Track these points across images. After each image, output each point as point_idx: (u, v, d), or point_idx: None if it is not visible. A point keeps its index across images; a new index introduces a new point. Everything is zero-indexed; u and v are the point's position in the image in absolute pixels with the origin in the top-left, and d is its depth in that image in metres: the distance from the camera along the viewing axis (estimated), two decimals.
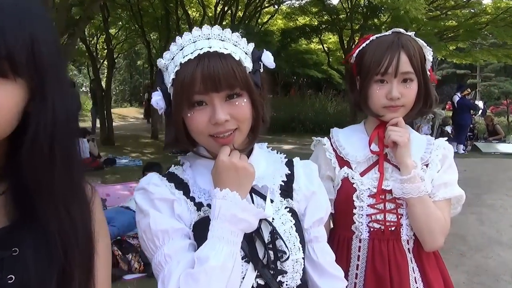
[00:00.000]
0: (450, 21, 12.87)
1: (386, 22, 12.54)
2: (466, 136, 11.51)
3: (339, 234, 1.29)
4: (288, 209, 0.96)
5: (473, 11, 12.28)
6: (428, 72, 1.26)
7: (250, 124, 0.91)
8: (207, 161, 0.94)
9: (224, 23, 12.20)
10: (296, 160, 1.07)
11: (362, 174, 1.25)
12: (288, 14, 14.77)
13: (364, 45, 1.25)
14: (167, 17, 11.57)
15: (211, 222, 0.84)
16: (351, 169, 1.27)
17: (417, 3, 8.33)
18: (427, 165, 1.25)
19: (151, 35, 15.30)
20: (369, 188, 1.22)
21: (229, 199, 0.84)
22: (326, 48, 15.29)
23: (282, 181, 0.99)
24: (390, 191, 1.21)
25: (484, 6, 12.29)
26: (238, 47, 0.89)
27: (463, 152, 10.83)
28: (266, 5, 13.28)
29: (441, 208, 1.21)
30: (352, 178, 1.25)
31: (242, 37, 0.92)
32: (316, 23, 13.26)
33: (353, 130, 1.36)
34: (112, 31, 16.77)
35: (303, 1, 14.37)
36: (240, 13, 12.00)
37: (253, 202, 0.92)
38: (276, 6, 14.44)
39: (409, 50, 1.17)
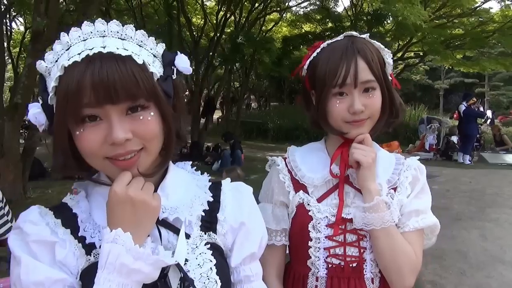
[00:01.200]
0: (456, 29, 12.67)
1: (391, 30, 12.40)
2: (473, 146, 11.23)
3: (295, 270, 1.11)
4: (209, 245, 0.80)
5: (481, 19, 12.07)
6: (390, 77, 1.09)
7: (160, 142, 0.74)
8: (108, 189, 0.74)
9: (228, 30, 12.17)
10: (225, 182, 0.90)
11: (320, 199, 1.08)
12: (292, 21, 14.67)
13: (315, 54, 1.08)
14: (170, 24, 11.52)
15: (97, 272, 0.68)
16: (308, 193, 1.09)
17: (415, 9, 8.15)
18: (395, 189, 1.08)
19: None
20: (327, 217, 1.05)
21: (120, 242, 0.67)
22: None
23: (204, 210, 0.82)
24: (351, 220, 1.04)
25: (492, 15, 12.08)
26: (143, 48, 0.73)
27: (469, 163, 10.56)
28: (269, 11, 13.15)
29: (411, 240, 1.04)
30: (308, 204, 1.07)
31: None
32: (319, 31, 13.12)
33: (311, 148, 1.19)
34: None
35: (308, 9, 14.30)
36: (243, 20, 11.91)
37: (161, 241, 0.76)
38: (281, 13, 14.35)
39: (366, 55, 1.01)
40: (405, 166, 1.10)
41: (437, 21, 12.52)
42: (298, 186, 1.11)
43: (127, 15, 12.62)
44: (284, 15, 14.55)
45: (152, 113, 0.72)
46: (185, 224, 0.79)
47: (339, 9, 14.07)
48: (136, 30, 0.74)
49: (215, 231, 0.82)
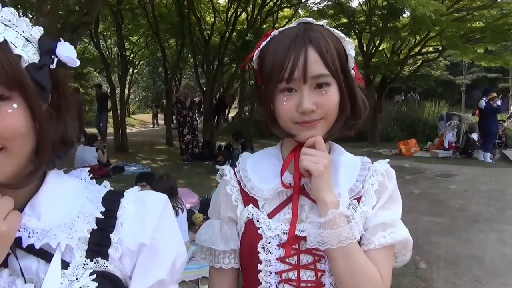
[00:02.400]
0: (477, 22, 12.16)
1: (407, 24, 12.01)
2: (494, 144, 10.78)
3: None
4: (95, 275, 0.64)
5: (503, 11, 11.54)
6: (353, 71, 0.92)
7: (29, 143, 0.61)
8: None
9: (240, 28, 12.04)
10: (129, 192, 0.74)
11: (271, 215, 0.91)
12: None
13: (264, 43, 0.92)
14: (182, 22, 11.45)
15: None
16: (258, 208, 0.93)
17: (430, 3, 7.83)
18: (359, 199, 0.91)
19: (168, 41, 15.27)
20: (278, 235, 0.88)
21: None
22: None
23: (91, 230, 0.67)
24: (306, 238, 0.87)
25: None
26: (10, 28, 0.60)
27: (490, 161, 10.13)
28: (281, 7, 12.91)
29: (377, 259, 0.86)
30: (257, 220, 0.91)
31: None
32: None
33: (265, 154, 1.01)
34: (134, 38, 17.10)
35: (322, 5, 14.01)
36: (255, 17, 11.73)
37: (22, 273, 0.61)
38: (294, 9, 14.12)
39: (319, 45, 0.84)
40: (371, 171, 0.93)
41: (456, 14, 12.05)
42: (248, 199, 0.95)
43: (141, 15, 12.65)
44: (298, 11, 14.31)
45: (15, 105, 0.58)
46: (60, 250, 0.63)
47: (354, 4, 13.74)
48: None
49: (106, 257, 0.66)
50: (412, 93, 26.65)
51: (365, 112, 0.94)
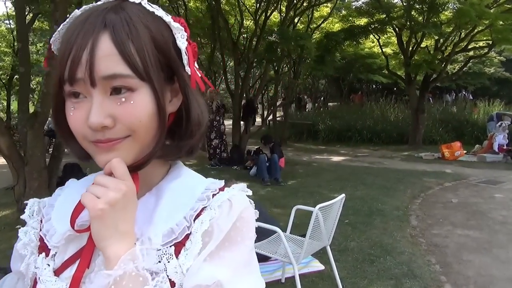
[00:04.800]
0: None
1: (451, 19, 11.17)
2: None
3: None
4: None
5: None
6: (188, 72, 0.63)
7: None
8: None
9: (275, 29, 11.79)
10: None
11: (61, 269, 0.64)
12: (344, 17, 13.87)
13: (61, 27, 0.64)
14: (213, 26, 11.39)
15: None
16: (52, 258, 0.66)
17: None
18: (181, 246, 0.62)
19: (203, 46, 15.34)
20: None
21: None
22: (385, 51, 14.06)
23: None
24: None
25: None
26: None
27: None
28: (316, 3, 12.43)
29: None
30: (39, 278, 0.64)
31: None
32: (364, 23, 12.17)
33: (85, 182, 0.75)
34: None
35: (359, 2, 13.44)
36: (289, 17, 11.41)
37: None
38: (331, 7, 13.63)
39: (118, 31, 0.56)
40: (213, 201, 0.64)
41: (508, 5, 11.03)
42: (43, 246, 0.68)
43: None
44: (334, 10, 13.81)
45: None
46: None
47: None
48: None
49: None
50: (464, 93, 25.04)
51: (199, 130, 0.66)
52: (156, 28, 0.60)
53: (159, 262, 0.59)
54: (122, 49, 0.55)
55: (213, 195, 0.65)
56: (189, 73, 0.63)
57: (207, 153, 9.99)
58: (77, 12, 0.61)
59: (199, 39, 14.20)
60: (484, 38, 12.32)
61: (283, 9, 11.66)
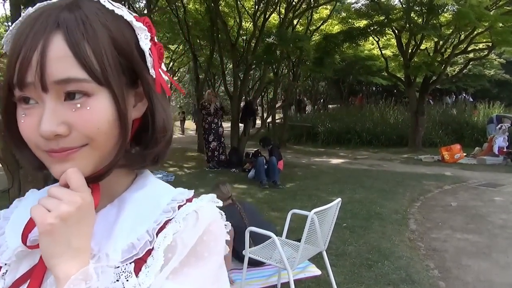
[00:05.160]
0: None
1: (450, 20, 11.13)
2: None
3: None
4: None
5: None
6: (153, 75, 0.58)
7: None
8: None
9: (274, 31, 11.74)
10: None
11: None
12: (343, 19, 13.83)
13: (11, 28, 0.60)
14: (212, 28, 11.34)
15: None
16: (2, 276, 0.61)
17: None
18: (141, 262, 0.57)
19: (203, 48, 15.31)
20: None
21: None
22: (384, 53, 14.02)
23: None
24: None
25: None
26: None
27: None
28: (315, 5, 12.39)
29: None
30: None
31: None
32: (363, 25, 12.13)
33: (45, 193, 0.70)
34: (173, 46, 17.41)
35: (359, 4, 13.39)
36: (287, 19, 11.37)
37: None
38: (330, 8, 13.59)
39: (73, 31, 0.51)
40: (178, 214, 0.59)
41: (507, 7, 10.99)
42: None
43: (174, 21, 12.75)
44: (333, 12, 13.77)
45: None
46: None
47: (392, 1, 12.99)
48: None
49: None
50: (464, 95, 24.99)
51: (164, 137, 0.61)
52: (116, 28, 0.55)
53: (117, 281, 0.54)
54: (76, 50, 0.51)
55: (179, 206, 0.60)
56: (154, 76, 0.58)
57: (205, 156, 9.94)
58: (30, 10, 0.56)
59: (198, 41, 14.19)
60: (484, 40, 12.27)
61: (282, 11, 11.62)
